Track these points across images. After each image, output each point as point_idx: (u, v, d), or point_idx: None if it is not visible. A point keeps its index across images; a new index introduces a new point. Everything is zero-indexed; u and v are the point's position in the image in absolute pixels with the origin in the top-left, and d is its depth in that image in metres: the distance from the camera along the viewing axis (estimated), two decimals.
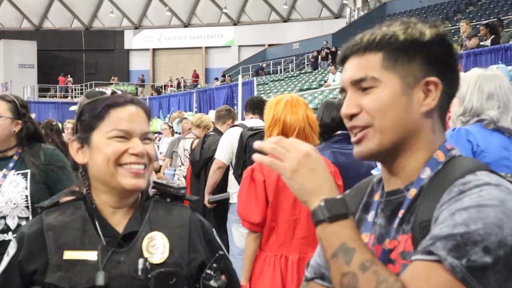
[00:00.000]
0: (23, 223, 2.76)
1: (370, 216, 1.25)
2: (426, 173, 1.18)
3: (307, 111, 3.09)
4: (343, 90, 1.25)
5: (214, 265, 1.54)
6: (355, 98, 1.21)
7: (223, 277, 1.54)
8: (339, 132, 3.63)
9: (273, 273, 3.04)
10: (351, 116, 1.21)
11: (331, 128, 3.68)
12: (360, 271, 1.08)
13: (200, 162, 5.97)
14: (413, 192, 1.18)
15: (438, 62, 1.20)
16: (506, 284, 1.04)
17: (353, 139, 1.23)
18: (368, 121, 1.19)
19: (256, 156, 1.19)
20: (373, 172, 3.27)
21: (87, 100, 1.54)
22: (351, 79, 1.22)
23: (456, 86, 1.24)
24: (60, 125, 11.34)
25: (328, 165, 3.14)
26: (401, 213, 1.18)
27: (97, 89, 1.57)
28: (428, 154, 1.20)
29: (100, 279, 1.43)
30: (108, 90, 1.55)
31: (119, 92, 1.56)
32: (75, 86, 35.88)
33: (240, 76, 14.88)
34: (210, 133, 6.21)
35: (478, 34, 12.97)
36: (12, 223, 2.79)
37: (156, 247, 1.50)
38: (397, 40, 1.19)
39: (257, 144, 1.19)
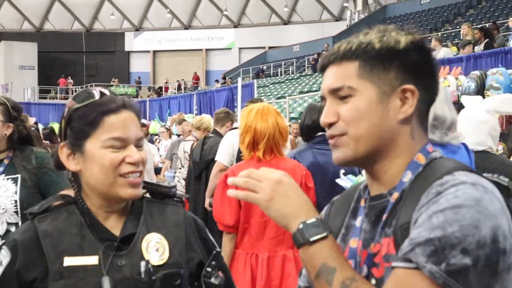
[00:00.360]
0: (12, 229, 2.70)
1: (358, 222, 1.27)
2: (408, 177, 1.20)
3: (277, 119, 3.32)
4: (323, 98, 1.28)
5: (213, 262, 1.56)
6: (333, 107, 1.23)
7: (220, 274, 1.55)
8: (319, 133, 3.90)
9: (244, 270, 3.30)
10: (330, 125, 1.24)
11: (312, 130, 3.95)
12: None
13: (202, 164, 5.98)
14: (395, 196, 1.19)
15: (414, 69, 1.21)
16: (490, 283, 1.05)
17: (330, 143, 1.25)
18: (344, 129, 1.22)
19: (230, 192, 1.24)
20: (338, 181, 3.46)
21: (76, 105, 1.49)
22: (329, 88, 1.24)
23: (435, 92, 1.25)
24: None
25: (300, 168, 3.44)
26: (384, 217, 1.19)
27: (85, 91, 1.53)
28: (408, 158, 1.21)
29: (106, 284, 1.41)
30: (96, 92, 1.50)
31: (107, 93, 1.52)
32: (75, 88, 35.89)
33: (240, 79, 14.86)
34: (210, 135, 6.24)
35: (473, 41, 12.99)
36: (0, 228, 2.74)
37: (156, 249, 1.49)
38: (372, 49, 1.20)
39: (230, 180, 1.24)
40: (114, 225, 1.51)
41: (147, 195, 1.62)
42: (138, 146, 1.50)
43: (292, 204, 1.19)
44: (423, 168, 1.19)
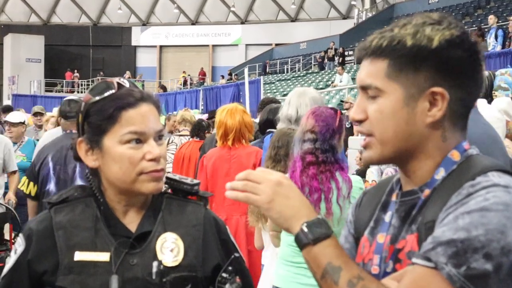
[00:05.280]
0: None
1: (387, 216, 1.24)
2: (440, 174, 1.16)
3: (243, 116, 4.30)
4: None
5: (230, 267, 1.48)
6: (363, 103, 1.20)
7: (237, 280, 1.47)
8: (269, 130, 4.83)
9: None
10: (358, 121, 1.21)
11: (265, 126, 4.88)
12: None
13: None
14: (426, 192, 1.16)
15: (448, 69, 1.13)
16: None
17: (361, 143, 1.23)
18: (370, 129, 1.19)
19: (229, 194, 1.21)
20: None
21: (93, 99, 1.43)
22: (360, 84, 1.20)
23: (475, 90, 1.18)
24: None
25: (259, 153, 4.25)
26: (413, 214, 1.17)
27: (103, 82, 1.47)
28: (440, 159, 1.17)
29: (114, 283, 1.37)
30: (114, 83, 1.44)
31: (126, 85, 1.45)
32: (81, 82, 35.97)
33: (246, 74, 14.83)
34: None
35: None
36: None
37: (170, 249, 1.43)
38: (403, 47, 1.14)
39: (228, 185, 1.21)
40: (132, 220, 1.46)
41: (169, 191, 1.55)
42: (158, 139, 1.44)
43: (293, 205, 1.17)
44: (458, 166, 1.15)
